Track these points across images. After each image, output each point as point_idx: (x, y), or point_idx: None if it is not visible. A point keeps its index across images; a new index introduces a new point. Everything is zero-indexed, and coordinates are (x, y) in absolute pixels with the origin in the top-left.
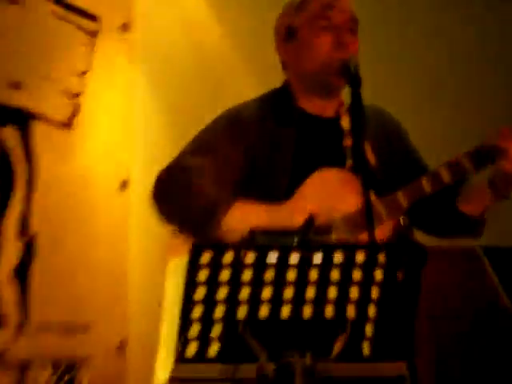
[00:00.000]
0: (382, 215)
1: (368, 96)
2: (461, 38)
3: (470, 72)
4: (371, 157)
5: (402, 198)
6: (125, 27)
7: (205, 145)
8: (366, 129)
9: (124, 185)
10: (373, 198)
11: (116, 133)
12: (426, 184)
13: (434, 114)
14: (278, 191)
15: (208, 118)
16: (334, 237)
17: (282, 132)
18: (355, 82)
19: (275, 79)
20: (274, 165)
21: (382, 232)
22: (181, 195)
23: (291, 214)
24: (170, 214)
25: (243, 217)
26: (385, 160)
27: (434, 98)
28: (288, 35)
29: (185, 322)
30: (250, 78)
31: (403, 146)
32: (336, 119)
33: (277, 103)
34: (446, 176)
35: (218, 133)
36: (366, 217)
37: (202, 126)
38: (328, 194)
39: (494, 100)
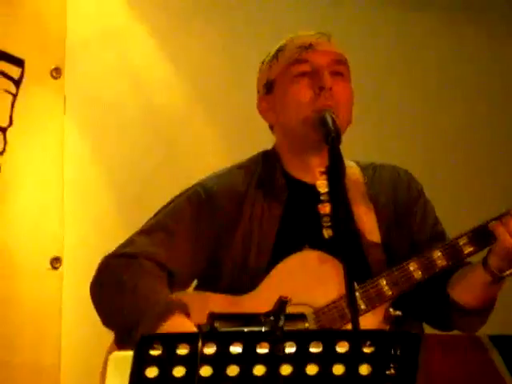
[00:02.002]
0: (360, 305)
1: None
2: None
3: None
4: (373, 229)
5: (385, 286)
6: (57, 72)
7: (163, 230)
8: (375, 192)
9: (56, 262)
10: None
11: (45, 199)
12: (415, 269)
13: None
14: (257, 272)
15: (158, 178)
16: (307, 326)
17: (267, 203)
18: (331, 136)
19: (238, 130)
20: (253, 242)
21: (364, 327)
22: (117, 293)
23: (258, 303)
24: (100, 313)
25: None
26: (393, 235)
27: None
28: (267, 91)
29: None
30: (207, 129)
31: (415, 215)
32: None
33: (262, 169)
34: (440, 259)
35: (183, 214)
36: (349, 303)
37: (150, 190)
38: (300, 282)
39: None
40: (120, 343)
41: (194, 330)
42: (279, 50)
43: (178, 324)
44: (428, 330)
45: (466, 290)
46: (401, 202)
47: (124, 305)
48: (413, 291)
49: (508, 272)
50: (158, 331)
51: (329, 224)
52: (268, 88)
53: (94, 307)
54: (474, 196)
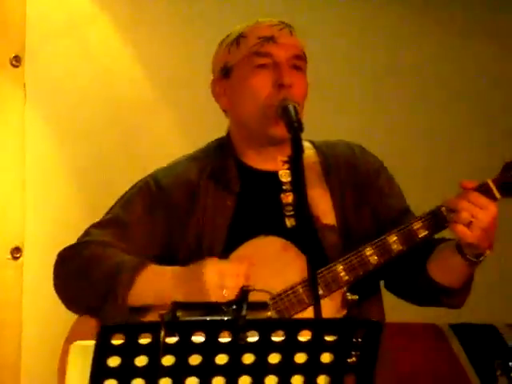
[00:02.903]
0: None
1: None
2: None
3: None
4: (329, 211)
5: (342, 272)
6: (16, 60)
7: (117, 222)
8: (330, 173)
9: (16, 252)
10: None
11: (5, 189)
12: (371, 254)
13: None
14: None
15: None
16: (269, 315)
17: (219, 194)
18: (294, 124)
19: (199, 120)
20: (206, 234)
21: (322, 312)
22: (80, 275)
23: (212, 271)
24: (71, 300)
25: (155, 285)
26: (351, 215)
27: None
28: (223, 76)
29: None
30: (169, 118)
31: (378, 195)
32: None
33: (215, 159)
34: (395, 244)
35: (135, 206)
36: (312, 289)
37: (111, 178)
38: (263, 266)
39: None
40: (95, 313)
41: (173, 269)
42: (241, 36)
43: (155, 271)
44: (388, 316)
45: (446, 274)
46: (359, 179)
47: (93, 276)
48: (394, 269)
49: (484, 255)
50: (137, 283)
51: (291, 213)
52: (225, 73)
53: (60, 297)
54: None
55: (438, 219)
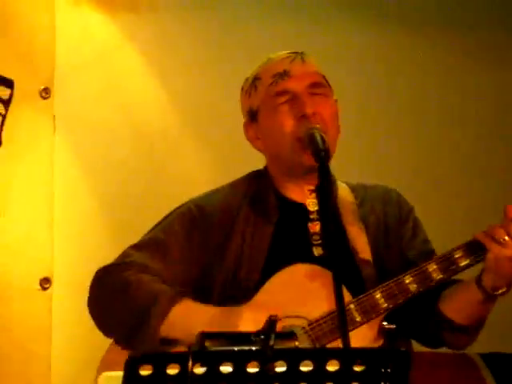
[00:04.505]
0: (355, 317)
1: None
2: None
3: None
4: (365, 247)
5: (380, 299)
6: (46, 92)
7: (156, 243)
8: (365, 213)
9: (45, 283)
10: (347, 297)
11: (35, 220)
12: (410, 282)
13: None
14: (248, 290)
15: (148, 199)
16: (298, 344)
17: (259, 222)
18: (320, 153)
19: (227, 154)
20: (244, 261)
21: (359, 339)
22: (116, 298)
23: (248, 319)
24: (104, 322)
25: (188, 320)
26: (382, 254)
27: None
28: (251, 119)
29: None
30: (196, 151)
31: (405, 235)
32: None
33: (255, 188)
34: (435, 272)
35: (175, 230)
36: (339, 319)
37: (139, 208)
38: (294, 295)
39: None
40: (126, 342)
41: (208, 310)
42: (256, 79)
43: (190, 306)
44: (418, 347)
45: (457, 307)
46: (391, 222)
47: (129, 301)
48: (403, 306)
49: (501, 291)
50: (171, 315)
51: (319, 242)
52: (252, 116)
53: (92, 316)
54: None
55: (479, 247)
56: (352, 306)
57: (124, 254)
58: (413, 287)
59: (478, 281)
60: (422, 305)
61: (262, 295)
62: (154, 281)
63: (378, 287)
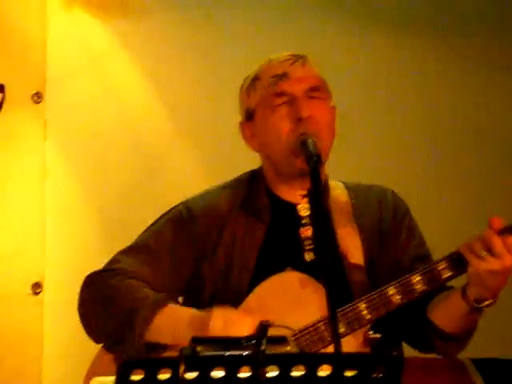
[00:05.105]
0: (340, 328)
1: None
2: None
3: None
4: (357, 251)
5: (364, 310)
6: (37, 96)
7: (146, 249)
8: (361, 214)
9: (36, 288)
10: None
11: (26, 224)
12: (393, 294)
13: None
14: (239, 291)
15: (140, 203)
16: (289, 349)
17: (250, 224)
18: (312, 158)
19: (219, 156)
20: (235, 263)
21: (343, 348)
22: (102, 305)
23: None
24: (92, 328)
25: (173, 325)
26: (377, 257)
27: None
28: (248, 119)
29: None
30: (189, 153)
31: (401, 239)
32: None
33: (247, 189)
34: (419, 284)
35: (166, 235)
36: (331, 324)
37: (130, 215)
38: (283, 303)
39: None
40: (114, 348)
41: (190, 312)
42: (255, 79)
43: (173, 311)
44: (409, 352)
45: (445, 317)
46: (386, 223)
47: (115, 308)
48: (394, 313)
49: (487, 302)
50: (155, 321)
51: (310, 247)
52: (249, 116)
53: (81, 321)
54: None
55: (463, 259)
56: (328, 316)
57: (113, 260)
58: (396, 299)
59: (463, 293)
60: (412, 312)
61: (251, 300)
62: (140, 286)
63: (361, 298)
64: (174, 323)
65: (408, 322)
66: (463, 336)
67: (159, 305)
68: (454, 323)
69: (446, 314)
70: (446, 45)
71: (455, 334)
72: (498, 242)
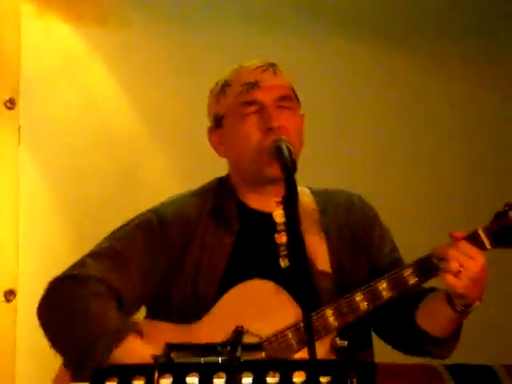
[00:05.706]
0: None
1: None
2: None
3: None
4: (324, 258)
5: (331, 317)
6: (11, 102)
7: (115, 254)
8: (328, 221)
9: (9, 295)
10: (300, 315)
11: None
12: (360, 300)
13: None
14: (206, 299)
15: (115, 211)
16: (264, 356)
17: (219, 232)
18: (287, 165)
19: (197, 166)
20: (203, 271)
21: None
22: (64, 319)
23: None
24: (51, 336)
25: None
26: (347, 263)
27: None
28: (216, 125)
29: None
30: (166, 164)
31: (372, 245)
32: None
33: (216, 197)
34: (385, 290)
35: (134, 241)
36: (305, 329)
37: (106, 220)
38: (248, 311)
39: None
40: (71, 370)
41: (148, 351)
42: (226, 85)
43: (132, 348)
44: (379, 358)
45: (435, 324)
46: (357, 229)
47: (75, 329)
48: (382, 318)
49: (474, 305)
50: (112, 357)
51: (285, 253)
52: (217, 122)
53: (42, 328)
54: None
55: (428, 267)
56: (303, 324)
57: (80, 263)
58: (363, 305)
59: (449, 299)
60: (400, 316)
61: (217, 309)
62: (105, 307)
63: (328, 305)
64: (132, 358)
65: (398, 328)
66: (453, 337)
67: (118, 339)
68: (442, 328)
69: (435, 320)
70: (426, 53)
71: (446, 337)
72: (467, 245)
